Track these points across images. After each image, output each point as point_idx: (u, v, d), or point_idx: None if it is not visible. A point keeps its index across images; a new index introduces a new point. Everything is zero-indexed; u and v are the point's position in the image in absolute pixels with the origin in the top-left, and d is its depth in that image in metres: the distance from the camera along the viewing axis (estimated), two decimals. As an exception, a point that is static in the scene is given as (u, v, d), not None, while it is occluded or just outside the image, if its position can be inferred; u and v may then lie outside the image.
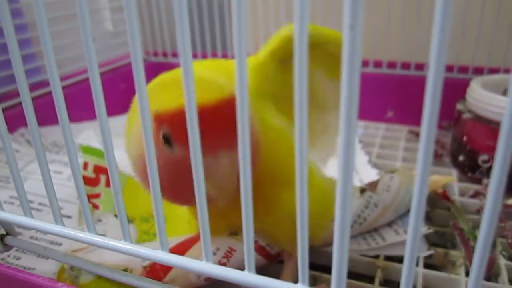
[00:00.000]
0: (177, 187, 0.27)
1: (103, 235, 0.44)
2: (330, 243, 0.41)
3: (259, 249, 0.37)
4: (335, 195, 0.17)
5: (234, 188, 0.25)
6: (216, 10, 0.77)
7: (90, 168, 0.51)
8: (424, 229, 0.42)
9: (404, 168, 0.49)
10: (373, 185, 0.44)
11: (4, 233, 0.32)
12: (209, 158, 0.24)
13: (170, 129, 0.25)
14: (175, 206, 0.34)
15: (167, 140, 0.26)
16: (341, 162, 0.17)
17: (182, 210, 0.39)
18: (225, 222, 0.36)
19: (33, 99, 0.25)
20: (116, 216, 0.45)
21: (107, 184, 0.50)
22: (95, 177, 0.50)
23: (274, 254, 0.38)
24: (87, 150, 0.52)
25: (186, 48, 0.18)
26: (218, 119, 0.24)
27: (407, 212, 0.44)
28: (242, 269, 0.22)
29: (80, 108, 0.59)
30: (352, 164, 0.17)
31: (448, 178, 0.53)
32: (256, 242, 0.36)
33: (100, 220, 0.46)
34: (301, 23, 0.16)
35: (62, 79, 0.71)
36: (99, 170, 0.51)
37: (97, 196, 0.49)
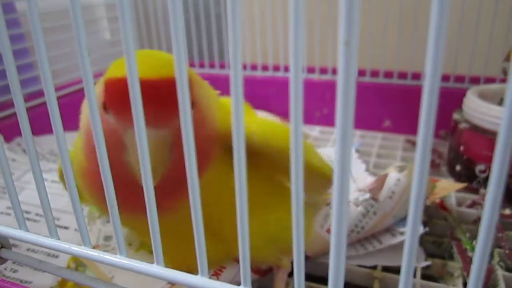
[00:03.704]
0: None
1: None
2: (319, 255, 0.41)
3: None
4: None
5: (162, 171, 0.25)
6: (213, 20, 0.77)
7: None
8: (421, 228, 0.41)
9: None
10: (376, 191, 0.43)
11: (-1, 245, 0.32)
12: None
13: (106, 95, 0.25)
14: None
15: (104, 106, 0.25)
16: (337, 175, 0.17)
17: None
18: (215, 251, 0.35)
19: (31, 108, 0.25)
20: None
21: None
22: None
23: (265, 269, 0.37)
24: None
25: (181, 51, 0.18)
26: (153, 95, 0.24)
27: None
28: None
29: (78, 117, 0.59)
30: (348, 179, 0.17)
31: (458, 185, 0.50)
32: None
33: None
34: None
35: (60, 88, 0.71)
36: None
37: None
